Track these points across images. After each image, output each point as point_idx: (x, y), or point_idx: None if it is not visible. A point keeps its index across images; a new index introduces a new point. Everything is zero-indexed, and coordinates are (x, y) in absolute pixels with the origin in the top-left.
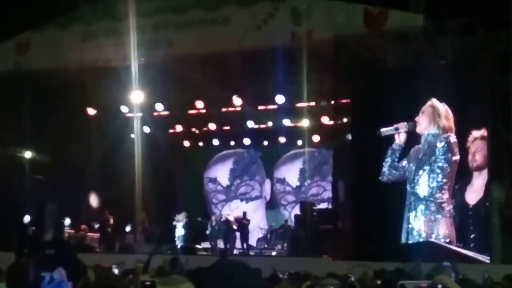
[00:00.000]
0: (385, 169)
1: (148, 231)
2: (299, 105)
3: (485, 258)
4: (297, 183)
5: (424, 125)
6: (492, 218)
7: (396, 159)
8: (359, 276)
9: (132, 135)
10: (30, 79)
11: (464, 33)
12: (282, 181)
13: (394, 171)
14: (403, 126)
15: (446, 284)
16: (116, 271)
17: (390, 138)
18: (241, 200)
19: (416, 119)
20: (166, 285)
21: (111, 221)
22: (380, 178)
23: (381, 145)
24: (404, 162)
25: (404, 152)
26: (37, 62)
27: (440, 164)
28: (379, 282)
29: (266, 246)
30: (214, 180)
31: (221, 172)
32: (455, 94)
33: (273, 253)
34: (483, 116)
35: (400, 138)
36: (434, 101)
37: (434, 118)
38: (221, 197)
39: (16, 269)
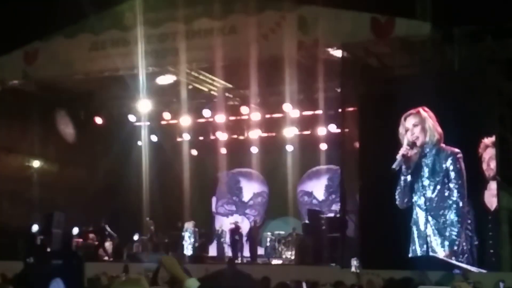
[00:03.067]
0: (402, 196)
1: (155, 239)
2: (306, 113)
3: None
4: (323, 197)
5: (422, 139)
6: (502, 226)
7: (409, 185)
8: (365, 283)
9: (139, 142)
10: (37, 89)
11: (471, 41)
12: (310, 194)
13: (410, 196)
14: (407, 150)
15: None
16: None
17: (397, 139)
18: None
19: (411, 135)
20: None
21: (108, 230)
22: (398, 204)
23: (389, 153)
24: (410, 178)
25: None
26: (44, 72)
27: (446, 180)
28: None
29: (274, 254)
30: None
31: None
32: (462, 102)
33: (281, 261)
34: (491, 123)
35: (408, 162)
36: (420, 110)
37: (427, 129)
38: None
39: (23, 278)
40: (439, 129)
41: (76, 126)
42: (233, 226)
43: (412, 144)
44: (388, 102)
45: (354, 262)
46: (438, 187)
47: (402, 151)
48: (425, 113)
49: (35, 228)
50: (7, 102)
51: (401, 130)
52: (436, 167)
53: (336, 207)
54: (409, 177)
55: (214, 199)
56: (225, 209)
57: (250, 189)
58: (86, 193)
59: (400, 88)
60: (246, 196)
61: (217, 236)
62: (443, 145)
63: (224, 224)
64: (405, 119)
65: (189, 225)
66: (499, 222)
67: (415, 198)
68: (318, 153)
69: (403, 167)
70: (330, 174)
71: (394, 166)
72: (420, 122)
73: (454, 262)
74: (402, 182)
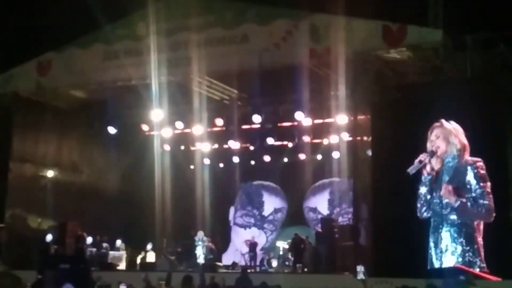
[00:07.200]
0: (420, 206)
1: (169, 249)
2: (319, 121)
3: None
4: (327, 212)
5: (443, 149)
6: None
7: (428, 194)
8: None
9: (154, 150)
10: (51, 99)
11: (483, 48)
12: (314, 210)
13: (428, 206)
14: (425, 156)
15: None
16: None
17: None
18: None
19: (432, 146)
20: None
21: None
22: (418, 214)
23: (402, 161)
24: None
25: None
26: (58, 82)
27: (466, 190)
28: None
29: (287, 263)
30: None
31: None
32: (474, 109)
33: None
34: (503, 132)
35: (427, 170)
36: (444, 122)
37: (450, 139)
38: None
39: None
40: (464, 141)
41: (89, 135)
42: (249, 241)
43: (431, 153)
44: (401, 109)
45: (361, 269)
46: (457, 196)
47: (420, 157)
48: (450, 124)
49: (49, 237)
50: (21, 113)
51: (428, 145)
52: (456, 177)
53: (342, 219)
54: (428, 187)
55: (232, 208)
56: (243, 221)
57: (272, 204)
58: (100, 203)
59: (413, 95)
60: (267, 210)
61: (233, 245)
62: (466, 156)
63: (240, 236)
64: (431, 132)
65: (200, 234)
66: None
67: (433, 207)
68: (330, 162)
69: (423, 176)
70: (331, 188)
71: (409, 170)
72: (442, 133)
73: (476, 272)
74: (421, 192)
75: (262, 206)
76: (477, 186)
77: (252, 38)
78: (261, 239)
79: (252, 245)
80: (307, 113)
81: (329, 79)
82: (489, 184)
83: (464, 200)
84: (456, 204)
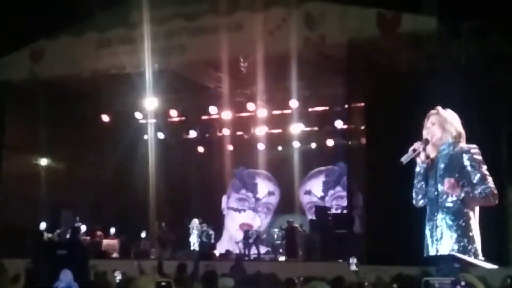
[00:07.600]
0: (415, 195)
1: (163, 237)
2: (313, 109)
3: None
4: (322, 194)
5: (438, 136)
6: (509, 222)
7: (423, 182)
8: (373, 280)
9: (145, 136)
10: (44, 87)
11: (478, 36)
12: (309, 192)
13: (424, 195)
14: (419, 145)
15: (469, 281)
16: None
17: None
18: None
19: (428, 133)
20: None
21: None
22: (414, 203)
23: (397, 149)
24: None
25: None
26: (51, 70)
27: (461, 177)
28: (395, 286)
29: (281, 251)
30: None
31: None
32: (469, 98)
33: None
34: (498, 120)
35: (421, 158)
36: (440, 109)
37: (445, 127)
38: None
39: (32, 274)
40: (460, 129)
41: (83, 124)
42: (245, 225)
43: (426, 141)
44: (395, 97)
45: (354, 261)
46: (461, 187)
47: (414, 145)
48: (446, 112)
49: (42, 226)
50: (14, 101)
51: (424, 132)
52: (451, 165)
53: (336, 202)
54: (423, 175)
55: (224, 197)
56: (238, 205)
57: (265, 187)
58: (94, 191)
59: (407, 83)
60: (261, 192)
61: (227, 233)
62: (461, 144)
63: (235, 220)
64: (427, 120)
65: (194, 222)
66: (509, 217)
67: (429, 195)
68: (325, 150)
69: (418, 165)
70: (326, 172)
71: (402, 159)
72: (438, 120)
73: (471, 260)
74: (417, 180)
75: (256, 188)
76: (476, 171)
77: (246, 26)
78: (256, 222)
79: (246, 233)
80: (301, 101)
81: (323, 67)
82: (485, 167)
83: (467, 189)
84: (462, 195)
